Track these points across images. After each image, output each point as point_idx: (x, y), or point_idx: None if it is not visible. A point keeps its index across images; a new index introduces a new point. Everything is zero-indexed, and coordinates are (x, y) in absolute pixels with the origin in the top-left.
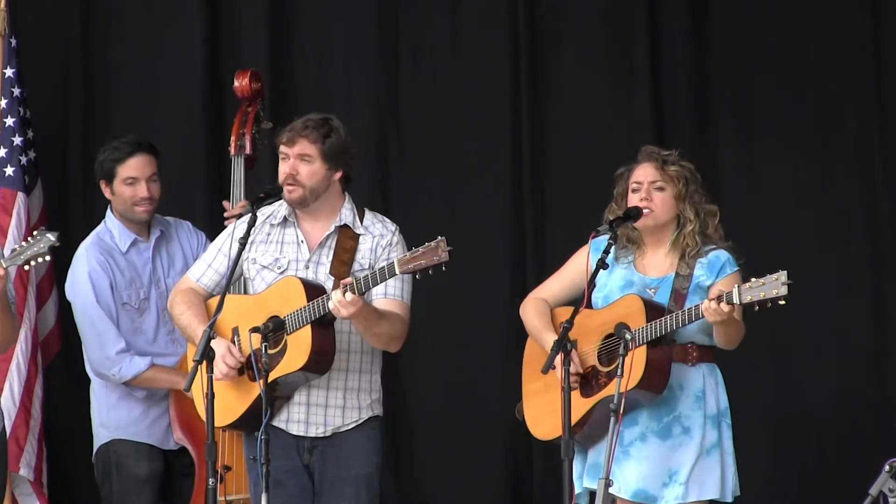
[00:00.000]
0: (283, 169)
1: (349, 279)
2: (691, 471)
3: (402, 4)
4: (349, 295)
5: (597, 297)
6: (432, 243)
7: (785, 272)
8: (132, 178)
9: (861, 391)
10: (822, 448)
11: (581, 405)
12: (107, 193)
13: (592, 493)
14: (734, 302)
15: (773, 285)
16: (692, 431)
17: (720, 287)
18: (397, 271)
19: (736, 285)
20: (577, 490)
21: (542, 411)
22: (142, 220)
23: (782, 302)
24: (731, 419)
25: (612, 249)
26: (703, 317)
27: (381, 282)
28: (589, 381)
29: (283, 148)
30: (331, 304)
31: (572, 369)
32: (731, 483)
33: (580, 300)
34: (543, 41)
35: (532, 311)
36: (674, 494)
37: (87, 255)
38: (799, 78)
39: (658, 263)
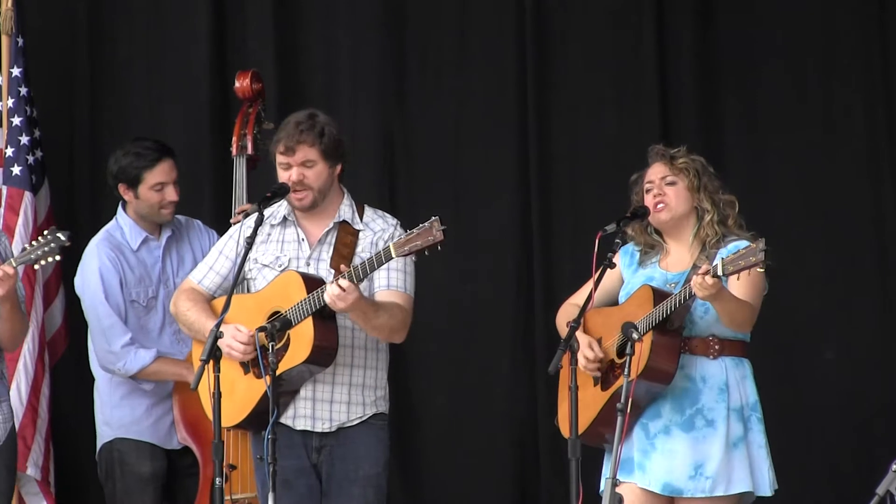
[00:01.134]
0: (286, 177)
1: (345, 268)
2: (718, 464)
3: (408, 4)
4: (344, 282)
5: (621, 294)
6: (426, 224)
7: (763, 239)
8: (160, 184)
9: (868, 390)
10: (828, 448)
11: (600, 398)
12: (127, 197)
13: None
14: (718, 274)
15: (752, 252)
16: (716, 424)
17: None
18: (393, 254)
19: (720, 258)
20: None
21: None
22: (166, 221)
23: (760, 269)
24: (762, 413)
25: (632, 250)
26: (694, 292)
27: (378, 266)
28: (607, 375)
29: (282, 158)
30: (327, 297)
31: (591, 354)
32: (767, 477)
33: (609, 305)
34: (550, 41)
35: (564, 316)
36: (700, 488)
37: (98, 251)
38: (806, 76)
39: (681, 260)
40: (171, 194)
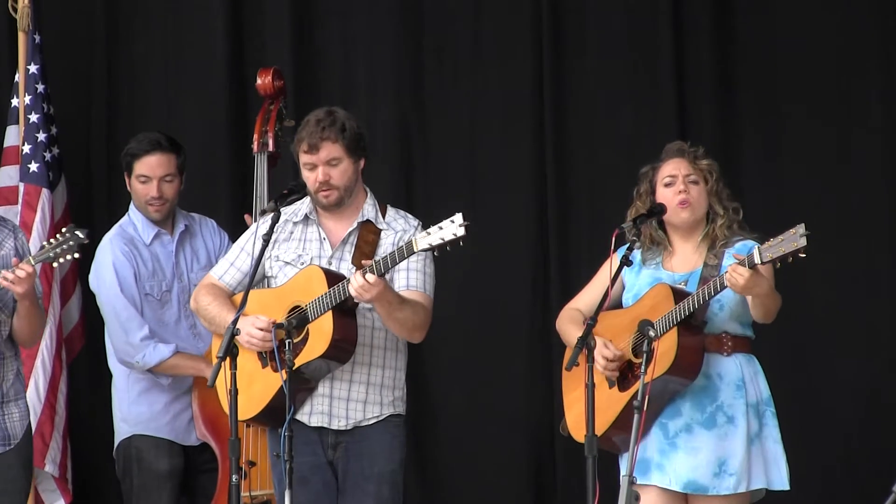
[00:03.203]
0: (313, 177)
1: (369, 261)
2: (741, 461)
3: (426, 0)
4: (370, 276)
5: (626, 297)
6: (449, 219)
7: (802, 224)
8: (145, 177)
9: (885, 387)
10: (846, 444)
11: (619, 399)
12: (127, 186)
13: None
14: (756, 262)
15: (793, 238)
16: (736, 420)
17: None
18: (416, 248)
19: (756, 246)
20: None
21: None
22: (153, 218)
23: (803, 255)
24: (775, 408)
25: (636, 247)
26: (727, 286)
27: (400, 260)
28: (626, 375)
29: (306, 157)
30: (352, 290)
31: (609, 354)
32: (784, 471)
33: (613, 303)
34: (567, 38)
35: (567, 320)
36: (725, 485)
37: (112, 246)
38: (824, 76)
39: (686, 260)
40: (152, 190)
